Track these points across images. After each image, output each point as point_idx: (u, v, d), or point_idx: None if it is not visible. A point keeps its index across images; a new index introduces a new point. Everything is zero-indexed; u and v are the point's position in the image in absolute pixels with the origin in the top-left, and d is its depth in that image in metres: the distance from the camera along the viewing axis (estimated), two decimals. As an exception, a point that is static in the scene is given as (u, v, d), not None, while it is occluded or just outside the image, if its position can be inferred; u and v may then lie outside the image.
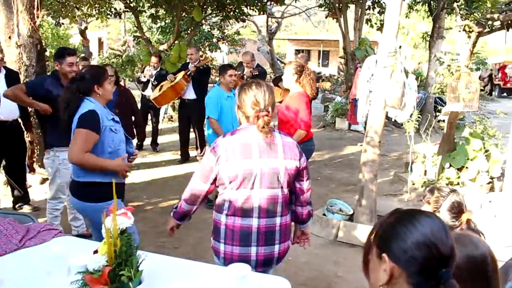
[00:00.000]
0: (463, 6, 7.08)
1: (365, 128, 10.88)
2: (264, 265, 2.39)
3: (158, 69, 8.25)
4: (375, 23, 13.60)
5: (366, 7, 12.33)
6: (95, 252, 1.86)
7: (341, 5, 11.68)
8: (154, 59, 8.34)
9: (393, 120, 5.91)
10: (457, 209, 2.37)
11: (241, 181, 2.30)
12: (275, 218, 2.38)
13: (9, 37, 5.66)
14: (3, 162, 5.13)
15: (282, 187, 2.37)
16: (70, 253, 2.09)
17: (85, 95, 2.94)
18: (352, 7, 12.39)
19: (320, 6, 14.14)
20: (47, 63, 7.77)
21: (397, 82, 4.48)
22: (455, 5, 5.84)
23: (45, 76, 4.40)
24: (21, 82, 5.13)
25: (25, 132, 5.20)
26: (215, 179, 2.37)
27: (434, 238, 1.17)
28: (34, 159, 5.90)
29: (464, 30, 5.76)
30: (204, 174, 2.38)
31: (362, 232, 4.57)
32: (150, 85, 8.22)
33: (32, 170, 5.32)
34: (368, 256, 1.28)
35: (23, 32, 5.65)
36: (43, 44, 6.41)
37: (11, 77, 4.92)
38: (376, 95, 4.65)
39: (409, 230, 1.19)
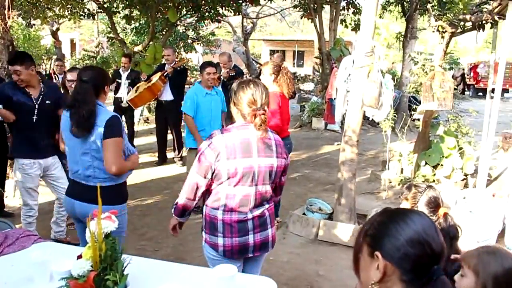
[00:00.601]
0: (436, 7, 7.23)
1: (341, 127, 11.07)
2: (261, 249, 2.56)
3: (129, 70, 8.13)
4: (350, 24, 13.77)
5: (341, 8, 12.47)
6: (79, 257, 1.82)
7: (316, 5, 11.77)
8: (124, 59, 8.24)
9: (370, 119, 5.99)
10: (434, 204, 2.49)
11: (240, 178, 2.38)
12: (264, 206, 2.54)
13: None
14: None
15: (271, 183, 2.52)
16: (51, 259, 2.04)
17: (96, 96, 2.83)
18: (327, 7, 12.52)
19: (295, 6, 14.22)
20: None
21: (374, 81, 4.54)
22: (428, 6, 5.96)
23: (3, 83, 4.28)
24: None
25: (9, 135, 5.00)
26: (211, 177, 2.42)
27: (426, 235, 1.19)
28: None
29: (437, 30, 5.88)
30: (202, 169, 2.41)
31: (342, 230, 4.61)
32: (123, 87, 8.08)
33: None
34: (359, 255, 1.29)
35: (-7, 33, 5.52)
36: (15, 45, 6.26)
37: None
38: (353, 95, 4.71)
39: (401, 228, 1.20)
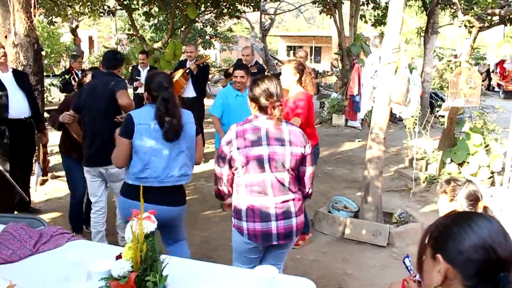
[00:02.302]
0: (463, 1, 7.08)
1: (361, 124, 10.96)
2: (285, 237, 2.67)
3: (148, 67, 8.14)
4: (369, 19, 13.64)
5: (360, 3, 12.34)
6: (118, 257, 1.81)
7: (335, 1, 11.66)
8: (141, 56, 8.26)
9: (397, 116, 5.90)
10: (474, 197, 2.48)
11: (252, 165, 2.57)
12: (288, 195, 2.65)
13: (5, 37, 5.56)
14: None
15: (288, 170, 2.63)
16: (87, 258, 2.03)
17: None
18: (346, 3, 12.40)
19: (314, 2, 14.09)
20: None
21: (401, 78, 4.47)
22: (455, 0, 5.83)
23: (117, 78, 4.03)
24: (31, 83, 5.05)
25: (37, 134, 5.02)
26: (230, 165, 2.63)
27: (492, 241, 1.14)
28: (48, 164, 5.78)
29: (464, 25, 5.76)
30: (221, 159, 2.65)
31: (369, 229, 4.56)
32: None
33: (45, 174, 5.14)
34: (423, 256, 1.26)
35: (19, 31, 5.55)
36: (39, 43, 6.31)
37: (22, 80, 4.81)
38: (380, 92, 4.63)
39: (465, 232, 1.16)
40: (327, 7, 12.87)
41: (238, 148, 2.56)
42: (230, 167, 2.63)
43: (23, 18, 5.50)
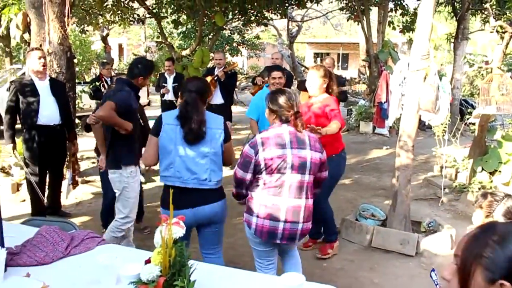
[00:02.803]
0: (494, 7, 6.93)
1: (389, 131, 10.82)
2: (288, 239, 2.87)
3: (174, 74, 8.23)
4: (397, 25, 13.51)
5: (388, 9, 12.24)
6: (147, 261, 1.84)
7: (363, 7, 11.60)
8: (167, 63, 8.37)
9: (426, 123, 5.82)
10: None
11: (275, 166, 2.74)
12: (301, 200, 2.84)
13: (40, 45, 5.72)
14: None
15: (308, 174, 2.84)
16: (117, 261, 2.07)
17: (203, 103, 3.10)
18: (374, 9, 12.34)
19: (341, 9, 14.06)
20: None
21: (430, 85, 4.41)
22: (487, 5, 5.71)
23: (125, 88, 3.90)
24: (67, 92, 5.17)
25: (68, 142, 5.13)
26: (254, 169, 2.80)
27: None
28: (78, 172, 5.91)
29: (496, 31, 5.65)
30: (245, 164, 2.81)
31: (397, 238, 4.50)
32: (170, 90, 8.21)
33: (75, 183, 5.26)
34: (467, 276, 1.11)
35: (53, 40, 5.72)
36: (72, 51, 6.48)
37: (57, 88, 4.92)
38: (409, 99, 4.58)
39: None
40: (355, 13, 12.83)
41: (263, 150, 2.75)
42: (254, 172, 2.80)
43: (57, 28, 5.67)
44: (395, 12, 12.85)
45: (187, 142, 2.94)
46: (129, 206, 3.90)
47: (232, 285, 2.08)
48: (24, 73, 6.32)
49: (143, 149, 3.23)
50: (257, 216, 2.82)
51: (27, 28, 6.97)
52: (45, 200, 5.05)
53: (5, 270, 2.08)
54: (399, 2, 12.62)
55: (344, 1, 13.42)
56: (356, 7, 12.09)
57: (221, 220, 3.18)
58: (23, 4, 7.11)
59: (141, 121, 4.48)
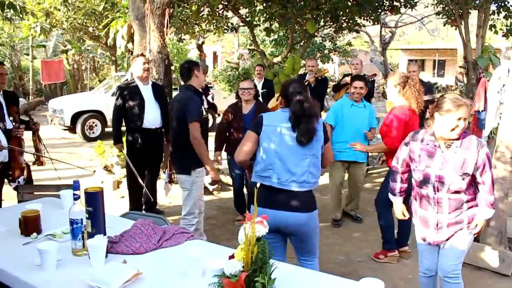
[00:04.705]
0: None
1: (487, 142, 10.18)
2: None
3: (263, 80, 8.38)
4: (500, 29, 12.64)
5: (490, 12, 11.51)
6: (231, 257, 1.94)
7: (461, 11, 11.03)
8: (258, 68, 8.53)
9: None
10: None
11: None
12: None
13: (142, 53, 6.17)
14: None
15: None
16: (203, 256, 2.20)
17: None
18: (473, 13, 11.67)
19: (437, 13, 13.47)
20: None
21: (533, 93, 4.13)
22: None
23: (191, 95, 4.26)
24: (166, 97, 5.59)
25: (165, 143, 5.44)
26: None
27: None
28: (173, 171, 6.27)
29: None
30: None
31: (490, 255, 4.25)
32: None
33: (171, 181, 5.63)
34: None
35: (153, 48, 6.14)
36: (169, 59, 6.90)
37: (159, 92, 5.31)
38: (508, 107, 4.33)
39: None
40: (452, 18, 12.23)
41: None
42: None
43: (157, 37, 6.08)
44: (498, 15, 12.04)
45: (299, 143, 2.89)
46: (192, 201, 4.29)
47: (311, 287, 2.12)
48: (127, 80, 6.81)
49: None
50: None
51: (131, 38, 7.56)
52: (151, 198, 5.45)
53: (106, 256, 2.31)
54: (502, 4, 11.81)
55: (441, 5, 12.85)
56: (453, 11, 11.52)
57: (310, 232, 3.09)
58: (128, 17, 7.72)
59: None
